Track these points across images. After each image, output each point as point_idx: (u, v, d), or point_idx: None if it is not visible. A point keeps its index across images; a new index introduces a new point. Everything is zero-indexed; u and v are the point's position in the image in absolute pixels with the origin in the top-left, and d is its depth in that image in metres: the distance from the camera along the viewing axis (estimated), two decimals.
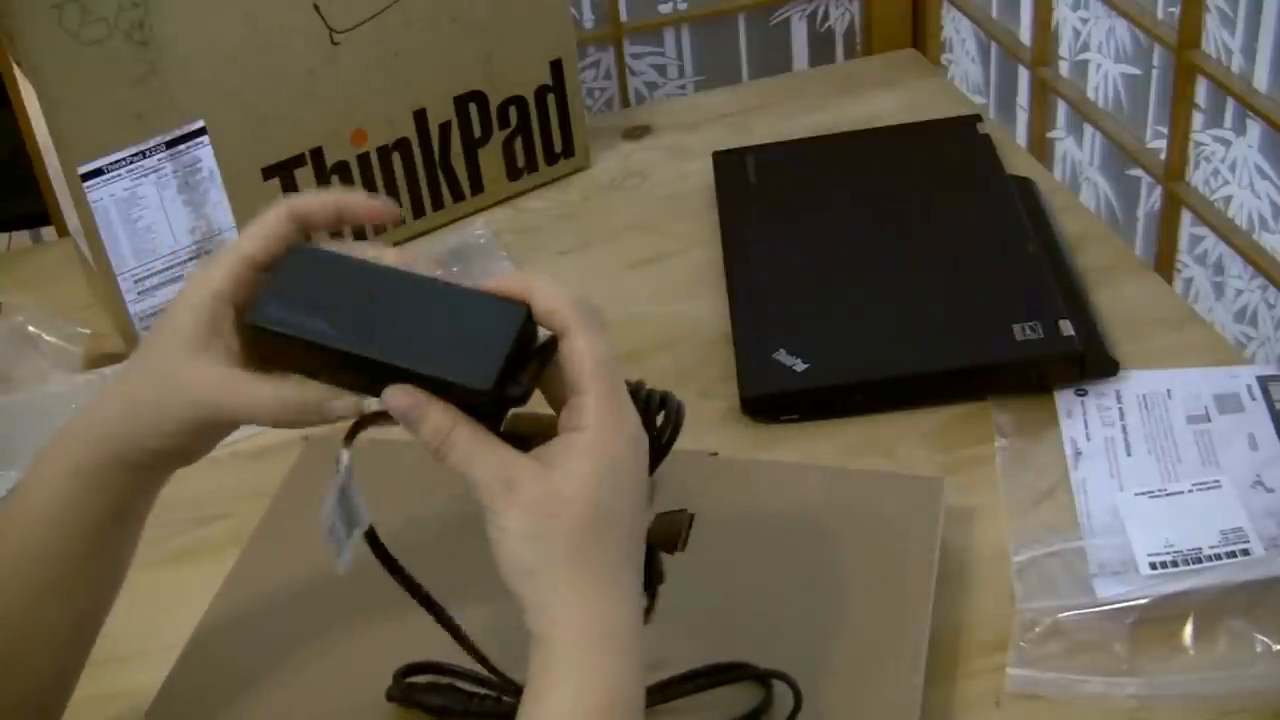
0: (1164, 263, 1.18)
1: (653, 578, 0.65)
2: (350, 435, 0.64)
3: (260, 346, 0.64)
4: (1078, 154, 1.31)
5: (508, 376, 0.60)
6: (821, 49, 1.50)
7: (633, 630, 0.60)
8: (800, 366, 0.99)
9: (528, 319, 0.61)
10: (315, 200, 0.66)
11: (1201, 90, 1.11)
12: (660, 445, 0.65)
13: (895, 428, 0.97)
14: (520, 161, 1.26)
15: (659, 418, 0.65)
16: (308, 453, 0.95)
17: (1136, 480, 0.90)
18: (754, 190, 1.20)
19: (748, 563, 0.82)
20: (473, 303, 0.61)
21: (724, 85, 1.45)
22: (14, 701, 0.68)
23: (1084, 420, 0.96)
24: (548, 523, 0.59)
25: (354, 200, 0.66)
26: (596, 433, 0.60)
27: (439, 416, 0.60)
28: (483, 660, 0.72)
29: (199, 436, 0.67)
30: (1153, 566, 0.83)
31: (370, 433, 1.03)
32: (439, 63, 1.17)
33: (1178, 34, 1.10)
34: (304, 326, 0.62)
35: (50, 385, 1.08)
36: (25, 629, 0.67)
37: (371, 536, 0.67)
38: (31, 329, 1.12)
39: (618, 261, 1.18)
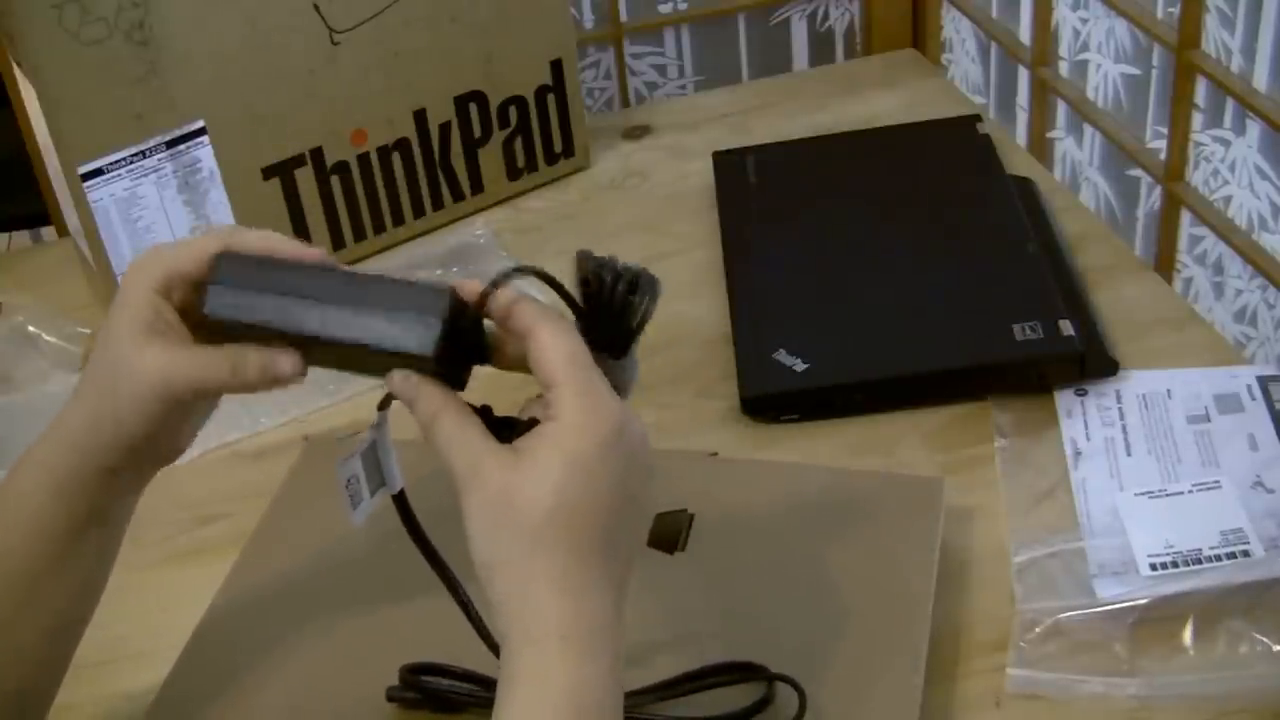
0: (1164, 263, 1.18)
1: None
2: (384, 402, 0.65)
3: (214, 340, 0.65)
4: (1078, 154, 1.31)
5: (449, 345, 0.61)
6: (821, 49, 1.50)
7: (601, 629, 0.59)
8: (800, 366, 0.99)
9: (454, 295, 0.62)
10: (253, 240, 0.65)
11: (1201, 90, 1.11)
12: (631, 326, 0.63)
13: (895, 428, 0.97)
14: (520, 161, 1.26)
15: (636, 298, 0.63)
16: (308, 453, 0.95)
17: (1136, 480, 0.90)
18: (754, 190, 1.20)
19: (747, 563, 0.82)
20: (401, 287, 0.63)
21: (724, 85, 1.45)
22: None
23: (1084, 420, 0.96)
24: (506, 514, 0.58)
25: (286, 247, 0.66)
26: (566, 424, 0.59)
27: (428, 398, 0.61)
28: (492, 644, 0.72)
29: (164, 423, 0.65)
30: (1153, 567, 0.83)
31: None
32: (439, 63, 1.17)
33: (1177, 34, 1.10)
34: (256, 311, 0.63)
35: (50, 385, 1.08)
36: (4, 637, 0.67)
37: (401, 500, 0.67)
38: (31, 329, 1.12)
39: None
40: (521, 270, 0.61)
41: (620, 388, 0.63)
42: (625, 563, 0.61)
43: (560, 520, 0.58)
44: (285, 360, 0.64)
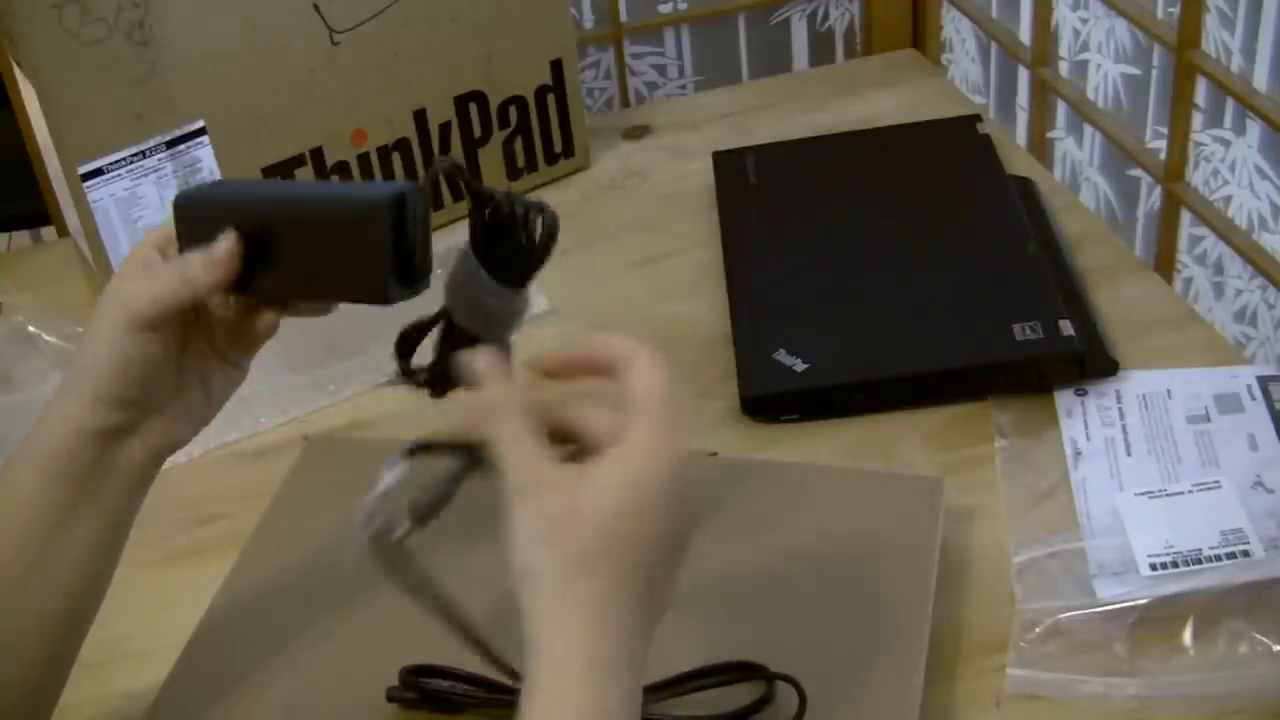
0: (1164, 263, 1.18)
1: None
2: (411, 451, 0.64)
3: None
4: (1078, 154, 1.31)
5: (401, 214, 0.63)
6: (821, 49, 1.50)
7: (627, 661, 0.58)
8: (800, 366, 0.99)
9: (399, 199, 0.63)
10: None
11: (1201, 90, 1.11)
12: (534, 257, 0.63)
13: (895, 428, 0.97)
14: (520, 161, 1.26)
15: (537, 228, 0.63)
16: (308, 453, 0.95)
17: (1136, 480, 0.90)
18: (754, 190, 1.20)
19: (747, 563, 0.82)
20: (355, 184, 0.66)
21: (724, 85, 1.45)
22: None
23: (1084, 420, 0.96)
24: (558, 529, 0.57)
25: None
26: (637, 450, 0.58)
27: (501, 387, 0.60)
28: (499, 663, 0.72)
29: (141, 362, 0.67)
30: (1153, 567, 0.83)
31: (369, 432, 1.03)
32: (439, 63, 1.17)
33: (1177, 34, 1.10)
34: (215, 214, 0.68)
35: (50, 385, 1.08)
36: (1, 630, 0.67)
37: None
38: (31, 329, 1.12)
39: (618, 261, 1.18)
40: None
41: (511, 318, 0.63)
42: (660, 602, 0.60)
43: (611, 544, 0.57)
44: (220, 244, 0.66)
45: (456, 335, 0.64)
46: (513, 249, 0.62)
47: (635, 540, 0.58)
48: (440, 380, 0.64)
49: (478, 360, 0.61)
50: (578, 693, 0.57)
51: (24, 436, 0.68)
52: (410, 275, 0.64)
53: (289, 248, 0.66)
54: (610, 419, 0.60)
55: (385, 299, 0.63)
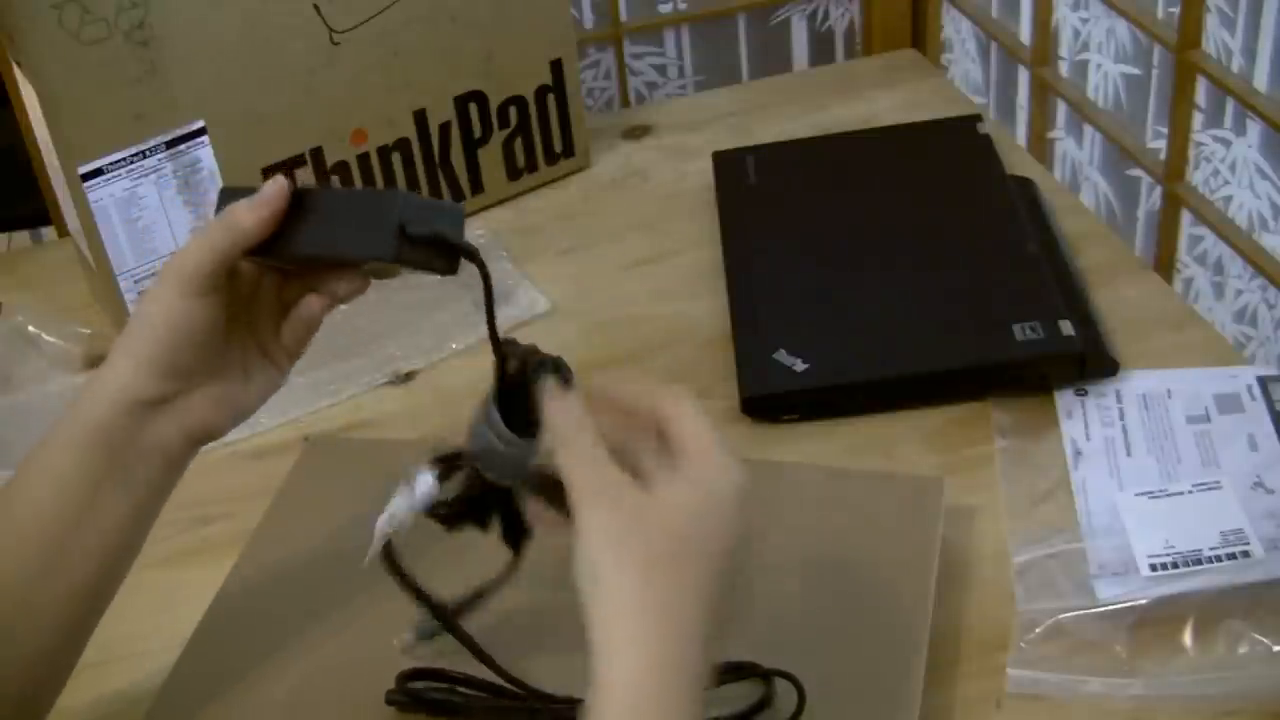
0: (1164, 263, 1.18)
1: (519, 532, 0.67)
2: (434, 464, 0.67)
3: None
4: (1078, 154, 1.31)
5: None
6: (821, 49, 1.50)
7: (696, 665, 0.58)
8: (800, 366, 0.99)
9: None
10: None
11: (1201, 90, 1.12)
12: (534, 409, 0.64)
13: (895, 428, 0.97)
14: (520, 161, 1.26)
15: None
16: (308, 452, 0.95)
17: (1136, 480, 0.90)
18: (754, 190, 1.20)
19: (748, 563, 0.82)
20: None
21: (724, 85, 1.45)
22: (9, 673, 0.68)
23: (1084, 420, 0.96)
24: (631, 535, 0.58)
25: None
26: (708, 466, 0.60)
27: (572, 408, 0.61)
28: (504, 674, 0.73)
29: (186, 327, 0.68)
30: (1153, 568, 0.83)
31: (369, 432, 1.03)
32: (439, 63, 1.17)
33: (1178, 34, 1.10)
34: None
35: (50, 385, 1.08)
36: (27, 597, 0.68)
37: (389, 552, 0.69)
38: (31, 329, 1.12)
39: (618, 261, 1.18)
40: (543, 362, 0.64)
41: (522, 464, 0.64)
42: (728, 615, 0.60)
43: (682, 548, 0.58)
44: (269, 185, 0.68)
45: (475, 478, 0.66)
46: (525, 402, 0.64)
47: (705, 548, 0.59)
48: (458, 518, 0.67)
49: (549, 383, 0.62)
50: (651, 693, 0.57)
51: (69, 403, 0.69)
52: (413, 240, 0.66)
53: (312, 211, 0.69)
54: (658, 451, 0.61)
55: (395, 256, 0.66)
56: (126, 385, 0.68)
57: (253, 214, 0.68)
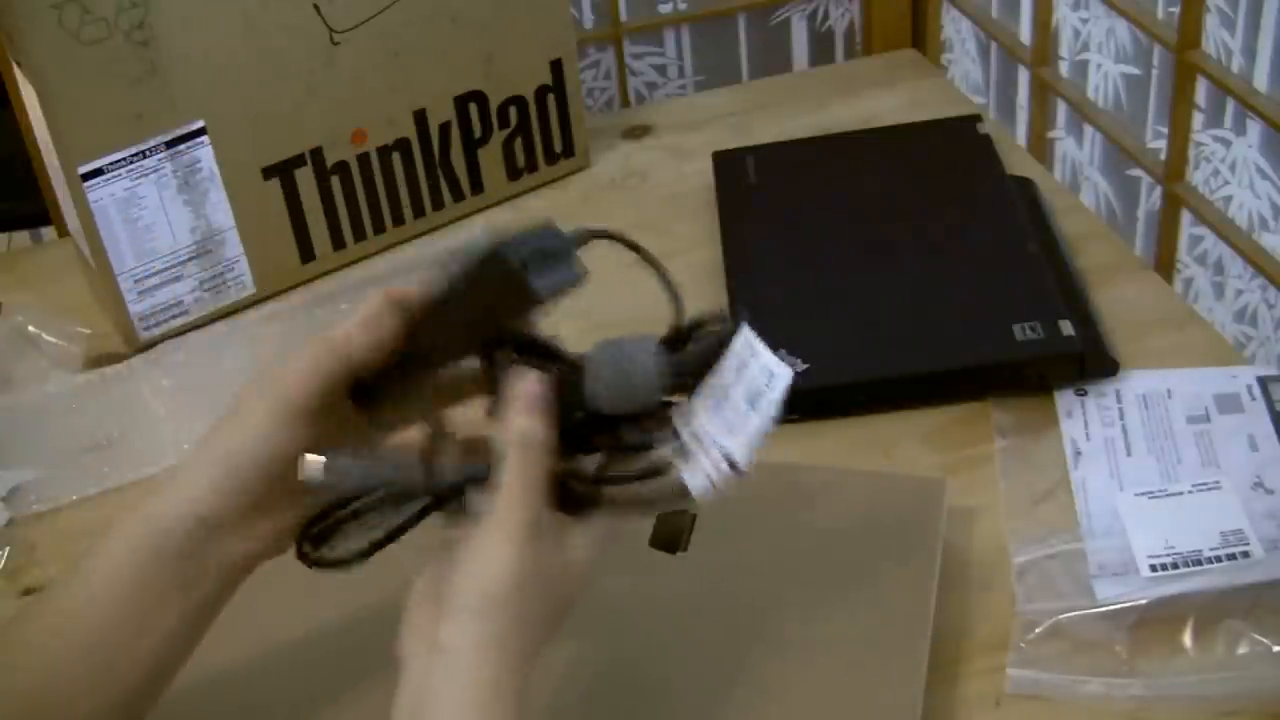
0: (1164, 263, 1.18)
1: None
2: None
3: None
4: (1078, 154, 1.31)
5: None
6: (821, 49, 1.50)
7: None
8: (800, 366, 0.99)
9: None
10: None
11: (1201, 90, 1.12)
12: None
13: (895, 428, 0.97)
14: (520, 161, 1.26)
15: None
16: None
17: (1136, 480, 0.90)
18: (754, 190, 1.20)
19: (748, 563, 0.82)
20: None
21: (724, 85, 1.45)
22: None
23: (1084, 420, 0.96)
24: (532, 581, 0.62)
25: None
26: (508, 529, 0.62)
27: (538, 424, 0.64)
28: None
29: (286, 457, 0.66)
30: (1153, 568, 0.83)
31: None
32: (439, 63, 1.17)
33: (1178, 34, 1.10)
34: None
35: (50, 385, 1.08)
36: (70, 712, 0.65)
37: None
38: (31, 329, 1.12)
39: (618, 261, 1.17)
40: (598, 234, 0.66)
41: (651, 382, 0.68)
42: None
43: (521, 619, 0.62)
44: (369, 302, 0.66)
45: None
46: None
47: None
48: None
49: (527, 380, 0.65)
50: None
51: (141, 501, 0.66)
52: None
53: (427, 320, 0.67)
54: None
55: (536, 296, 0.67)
56: (199, 500, 0.65)
57: (361, 334, 0.66)
